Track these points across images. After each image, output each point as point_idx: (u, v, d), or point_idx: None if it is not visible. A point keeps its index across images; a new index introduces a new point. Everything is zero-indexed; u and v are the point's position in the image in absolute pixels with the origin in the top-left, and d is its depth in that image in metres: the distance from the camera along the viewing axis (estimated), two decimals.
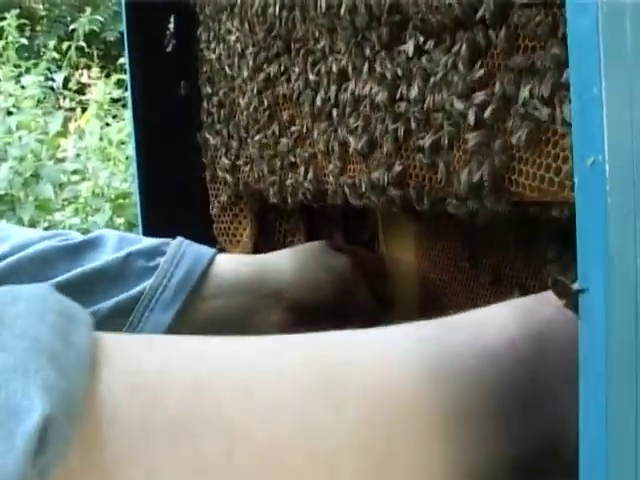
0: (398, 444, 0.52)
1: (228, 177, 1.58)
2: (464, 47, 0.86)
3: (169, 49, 1.65)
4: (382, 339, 0.59)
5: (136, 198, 1.75)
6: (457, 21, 0.88)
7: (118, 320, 1.13)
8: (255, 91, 1.38)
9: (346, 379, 0.53)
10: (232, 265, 1.30)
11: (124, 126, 5.06)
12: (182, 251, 1.24)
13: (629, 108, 0.47)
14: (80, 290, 1.12)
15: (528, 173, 0.78)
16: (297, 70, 1.25)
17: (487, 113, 0.82)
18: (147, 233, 1.70)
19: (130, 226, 4.38)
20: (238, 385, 0.49)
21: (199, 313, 1.22)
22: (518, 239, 1.10)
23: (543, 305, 0.63)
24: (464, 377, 0.57)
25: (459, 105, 0.86)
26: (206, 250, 1.28)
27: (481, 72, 0.84)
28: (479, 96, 0.84)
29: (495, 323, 0.62)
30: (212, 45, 1.56)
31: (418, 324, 0.62)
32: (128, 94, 1.70)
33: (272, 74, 1.33)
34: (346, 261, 1.39)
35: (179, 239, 1.28)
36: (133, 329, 1.13)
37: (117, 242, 1.23)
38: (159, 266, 1.20)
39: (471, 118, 0.85)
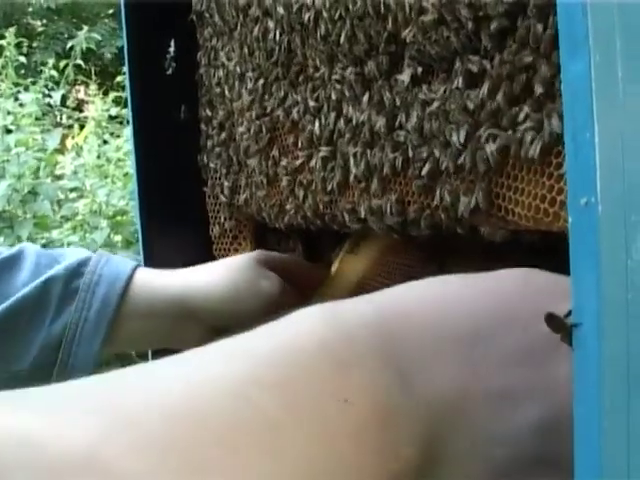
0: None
1: (227, 200, 1.60)
2: (460, 78, 0.88)
3: (169, 72, 1.67)
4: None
5: (136, 217, 1.77)
6: (454, 52, 0.90)
7: (47, 361, 1.15)
8: (254, 116, 1.40)
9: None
10: (149, 287, 1.28)
11: (122, 144, 5.09)
12: (99, 274, 1.24)
13: (621, 151, 0.49)
14: (3, 328, 1.14)
15: (524, 203, 0.79)
16: (296, 96, 1.27)
17: (482, 141, 0.85)
18: (147, 251, 1.72)
19: (128, 244, 4.40)
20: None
21: (124, 334, 1.23)
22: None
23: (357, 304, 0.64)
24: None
25: (455, 136, 0.88)
26: (123, 267, 1.27)
27: (477, 102, 0.86)
28: (474, 126, 0.86)
29: (303, 327, 0.61)
30: (212, 69, 1.58)
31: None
32: (129, 115, 1.72)
33: (271, 99, 1.34)
34: (275, 282, 1.33)
35: (97, 255, 1.28)
36: (64, 366, 1.14)
37: (35, 262, 1.22)
38: (78, 292, 1.20)
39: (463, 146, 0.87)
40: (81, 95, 6.75)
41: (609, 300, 0.50)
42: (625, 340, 0.51)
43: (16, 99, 5.15)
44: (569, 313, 0.52)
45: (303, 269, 1.49)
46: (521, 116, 0.79)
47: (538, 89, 0.75)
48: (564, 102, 0.51)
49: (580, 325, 0.51)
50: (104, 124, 5.31)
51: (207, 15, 1.57)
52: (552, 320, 0.55)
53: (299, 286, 1.41)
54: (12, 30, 5.48)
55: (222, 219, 1.67)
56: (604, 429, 0.50)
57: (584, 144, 0.48)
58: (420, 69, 0.96)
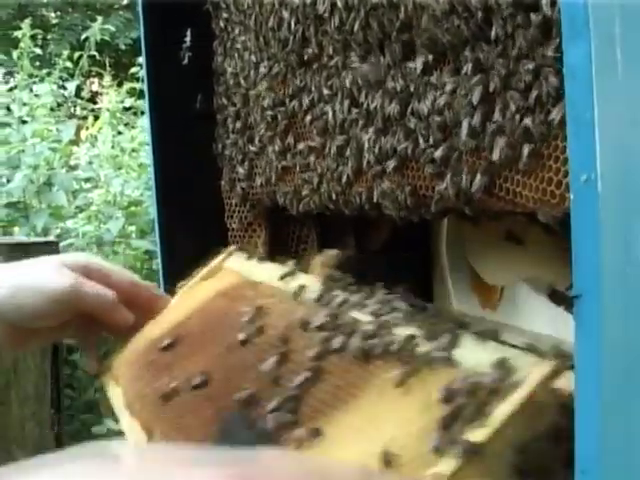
0: None
1: (243, 187, 1.63)
2: (470, 65, 0.91)
3: (185, 62, 1.70)
4: None
5: (153, 206, 1.80)
6: (465, 40, 0.92)
7: None
8: (269, 104, 1.43)
9: None
10: None
11: (136, 134, 5.12)
12: None
13: (619, 131, 0.51)
14: None
15: (531, 186, 0.82)
16: (311, 84, 1.29)
17: (492, 128, 0.87)
18: (164, 240, 1.75)
19: (142, 234, 4.43)
20: None
21: None
22: None
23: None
24: None
25: (466, 122, 0.91)
26: None
27: (486, 90, 0.88)
28: (483, 112, 0.89)
29: None
30: (227, 58, 1.61)
31: None
32: (145, 105, 1.75)
33: (286, 88, 1.37)
34: (65, 280, 1.29)
35: None
36: None
37: None
38: None
39: (474, 131, 0.90)
40: (95, 87, 6.78)
41: (609, 273, 0.53)
42: (624, 311, 0.54)
43: (31, 90, 5.19)
44: (570, 286, 0.55)
45: (142, 291, 1.46)
46: (530, 102, 0.81)
47: (544, 78, 0.78)
48: (566, 84, 0.54)
49: (580, 297, 0.54)
50: (118, 115, 5.35)
51: (223, 5, 1.60)
52: (554, 294, 0.58)
53: (133, 307, 1.39)
54: (27, 22, 5.53)
55: (237, 207, 1.70)
56: (605, 400, 0.53)
57: (584, 124, 0.50)
58: (432, 57, 0.99)
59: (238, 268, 1.45)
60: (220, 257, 1.51)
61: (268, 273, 1.33)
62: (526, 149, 0.81)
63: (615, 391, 0.55)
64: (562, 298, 0.57)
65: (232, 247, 1.55)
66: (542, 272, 1.60)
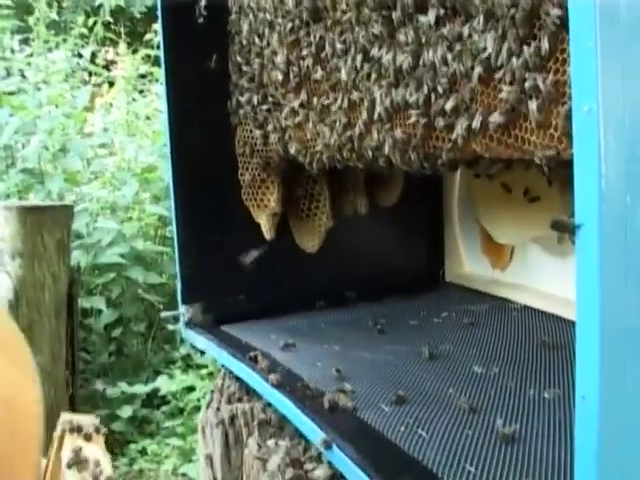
0: None
1: (256, 144, 1.65)
2: (481, 17, 0.92)
3: (200, 21, 1.70)
4: None
5: (167, 166, 1.81)
6: None
7: None
8: (284, 60, 1.44)
9: None
10: None
11: (150, 101, 5.12)
12: None
13: (621, 60, 0.53)
14: None
15: (539, 132, 0.84)
16: (324, 40, 1.31)
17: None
18: (178, 201, 1.76)
19: (156, 199, 4.44)
20: None
21: None
22: None
23: None
24: None
25: (478, 69, 0.92)
26: None
27: (496, 39, 0.90)
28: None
29: None
30: (242, 17, 1.62)
31: None
32: (161, 63, 1.76)
33: (300, 44, 1.38)
34: None
35: None
36: None
37: None
38: None
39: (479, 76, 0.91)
40: (110, 56, 6.78)
41: (609, 203, 0.55)
42: (624, 240, 0.56)
43: (47, 57, 5.19)
44: (572, 214, 0.57)
45: None
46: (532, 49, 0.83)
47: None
48: (570, 15, 0.55)
49: (582, 226, 0.56)
50: (133, 82, 5.35)
51: None
52: (557, 224, 0.60)
53: None
54: None
55: (251, 163, 1.71)
56: (604, 317, 0.55)
57: (587, 53, 0.52)
58: (443, 10, 1.00)
59: None
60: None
61: None
62: (534, 102, 0.82)
63: (615, 320, 0.57)
64: (565, 226, 0.59)
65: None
66: (549, 231, 1.62)
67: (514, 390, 1.24)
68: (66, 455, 1.13)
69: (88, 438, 1.20)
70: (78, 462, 1.13)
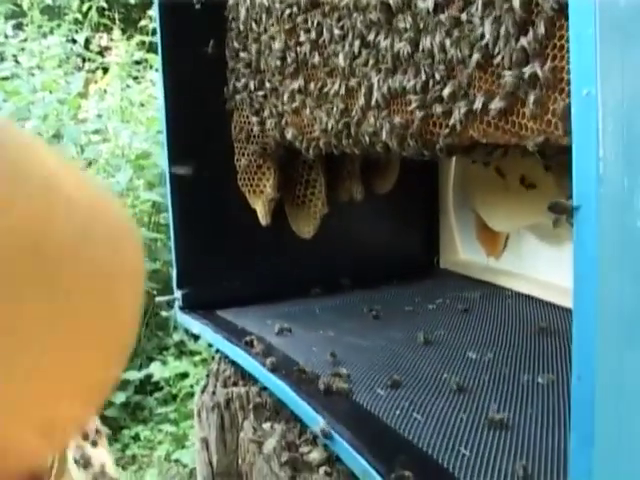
0: None
1: (253, 129, 1.65)
2: (480, 3, 0.92)
3: (198, 6, 1.70)
4: None
5: (163, 152, 1.81)
6: None
7: None
8: (281, 46, 1.44)
9: None
10: None
11: (145, 87, 5.10)
12: None
13: (620, 47, 0.54)
14: None
15: (536, 118, 0.84)
16: (322, 25, 1.31)
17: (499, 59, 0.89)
18: (173, 185, 1.77)
19: (150, 186, 4.43)
20: None
21: None
22: None
23: None
24: None
25: (477, 55, 0.93)
26: None
27: (494, 25, 0.90)
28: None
29: None
30: (240, 2, 1.62)
31: None
32: (158, 50, 1.75)
33: (298, 30, 1.39)
34: None
35: None
36: None
37: None
38: None
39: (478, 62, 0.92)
40: (104, 42, 6.75)
41: (607, 185, 0.55)
42: (621, 222, 0.57)
43: (41, 42, 5.18)
44: (570, 196, 0.58)
45: None
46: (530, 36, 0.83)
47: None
48: (569, 1, 0.56)
49: (579, 207, 0.56)
50: (127, 68, 5.33)
51: None
52: (555, 206, 0.61)
53: None
54: None
55: (247, 149, 1.72)
56: (601, 297, 0.56)
57: (586, 39, 0.53)
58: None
59: None
60: None
61: None
62: (532, 94, 0.83)
63: (611, 301, 0.57)
64: (563, 208, 0.60)
65: None
66: (544, 219, 1.63)
67: (508, 375, 1.25)
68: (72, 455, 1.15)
69: (94, 444, 1.21)
70: (84, 462, 1.14)
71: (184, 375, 3.56)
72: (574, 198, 0.57)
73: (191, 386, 3.44)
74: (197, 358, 3.62)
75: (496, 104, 0.90)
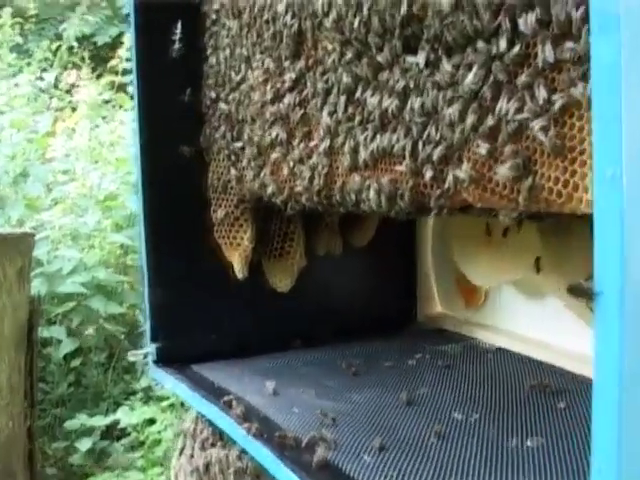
0: None
1: (230, 180, 1.62)
2: (475, 65, 0.90)
3: (175, 55, 1.68)
4: None
5: (138, 200, 1.78)
6: (468, 37, 0.91)
7: None
8: (260, 98, 1.41)
9: None
10: None
11: (115, 128, 5.07)
12: None
13: None
14: None
15: (544, 188, 0.81)
16: (306, 79, 1.28)
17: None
18: (149, 234, 1.73)
19: (118, 228, 4.38)
20: None
21: None
22: None
23: None
24: None
25: (471, 117, 0.90)
26: None
27: (491, 88, 0.88)
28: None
29: None
30: (218, 51, 1.59)
31: None
32: (134, 98, 1.73)
33: (279, 82, 1.36)
34: None
35: None
36: None
37: None
38: None
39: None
40: (72, 79, 6.72)
41: (631, 270, 0.52)
42: None
43: (9, 81, 5.13)
44: (589, 278, 0.55)
45: None
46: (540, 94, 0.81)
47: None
48: (593, 83, 0.53)
49: (601, 294, 0.53)
50: (96, 107, 5.29)
51: None
52: (574, 289, 0.58)
53: None
54: (8, 10, 5.48)
55: (224, 200, 1.68)
56: (623, 398, 0.53)
57: (611, 119, 0.50)
58: (433, 54, 0.98)
59: None
60: None
61: None
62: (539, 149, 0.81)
63: (635, 390, 0.55)
64: (582, 291, 0.57)
65: None
66: (527, 274, 1.61)
67: (496, 439, 1.21)
68: None
69: None
70: None
71: (151, 421, 3.50)
72: (596, 283, 0.54)
73: (159, 432, 3.38)
74: (165, 404, 3.56)
75: (505, 172, 0.87)
